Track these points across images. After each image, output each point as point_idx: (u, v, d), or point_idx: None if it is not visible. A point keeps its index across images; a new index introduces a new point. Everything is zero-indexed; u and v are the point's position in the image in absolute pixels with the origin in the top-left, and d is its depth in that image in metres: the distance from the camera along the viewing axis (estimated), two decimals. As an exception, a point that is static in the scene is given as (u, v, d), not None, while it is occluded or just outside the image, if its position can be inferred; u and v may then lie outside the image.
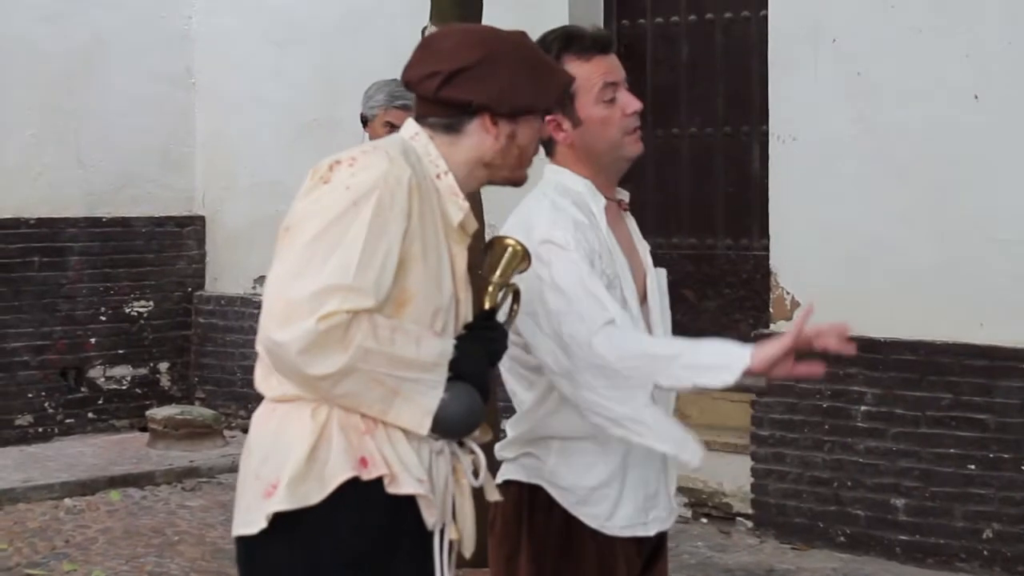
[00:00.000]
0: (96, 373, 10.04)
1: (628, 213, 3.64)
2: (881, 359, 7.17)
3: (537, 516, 3.42)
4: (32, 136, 9.79)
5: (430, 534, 3.02)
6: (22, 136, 9.74)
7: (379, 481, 2.95)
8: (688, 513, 7.81)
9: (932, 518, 7.03)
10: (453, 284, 3.07)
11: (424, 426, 2.94)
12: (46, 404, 9.80)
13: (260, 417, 3.06)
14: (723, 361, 3.26)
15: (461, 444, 3.09)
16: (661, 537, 3.60)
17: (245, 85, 10.13)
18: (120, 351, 10.11)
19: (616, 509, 3.42)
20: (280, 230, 2.99)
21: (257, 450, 3.03)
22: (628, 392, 3.22)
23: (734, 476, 7.73)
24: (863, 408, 7.24)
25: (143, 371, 10.18)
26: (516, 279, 3.18)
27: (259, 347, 2.96)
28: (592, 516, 3.40)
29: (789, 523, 7.48)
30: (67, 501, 8.41)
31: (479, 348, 3.06)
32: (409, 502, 2.98)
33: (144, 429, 9.78)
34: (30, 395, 9.74)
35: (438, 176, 3.07)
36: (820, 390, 7.35)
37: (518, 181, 3.19)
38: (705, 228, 8.43)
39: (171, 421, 9.42)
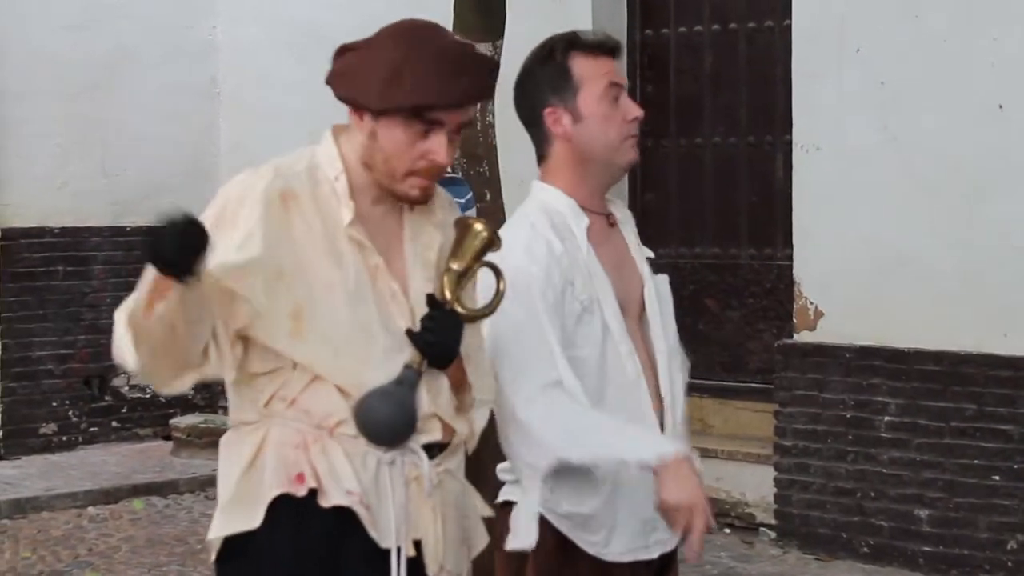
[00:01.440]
0: (120, 382, 10.06)
1: (626, 220, 3.56)
2: (905, 369, 7.16)
3: (544, 537, 3.38)
4: (57, 146, 9.83)
5: (386, 551, 2.91)
6: (47, 146, 9.78)
7: (315, 497, 2.87)
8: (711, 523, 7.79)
9: (956, 529, 7.00)
10: (374, 283, 2.93)
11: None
12: (70, 413, 9.83)
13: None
14: (646, 441, 3.26)
15: (431, 454, 2.96)
16: (673, 551, 3.58)
17: (269, 95, 10.15)
18: (144, 360, 10.12)
19: (612, 536, 3.37)
20: None
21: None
22: (538, 452, 3.23)
23: (757, 486, 7.71)
24: (887, 418, 7.22)
25: (167, 380, 10.18)
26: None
27: None
28: (590, 543, 3.36)
29: (812, 533, 7.46)
30: (90, 510, 8.43)
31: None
32: (356, 518, 2.88)
33: (167, 438, 9.80)
34: (54, 404, 9.77)
35: (336, 178, 2.96)
36: (844, 400, 7.33)
37: (396, 194, 2.97)
38: (728, 238, 8.42)
39: (194, 430, 9.44)
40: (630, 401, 3.35)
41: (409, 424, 2.89)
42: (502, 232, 3.24)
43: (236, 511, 2.89)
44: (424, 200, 2.99)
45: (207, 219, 2.78)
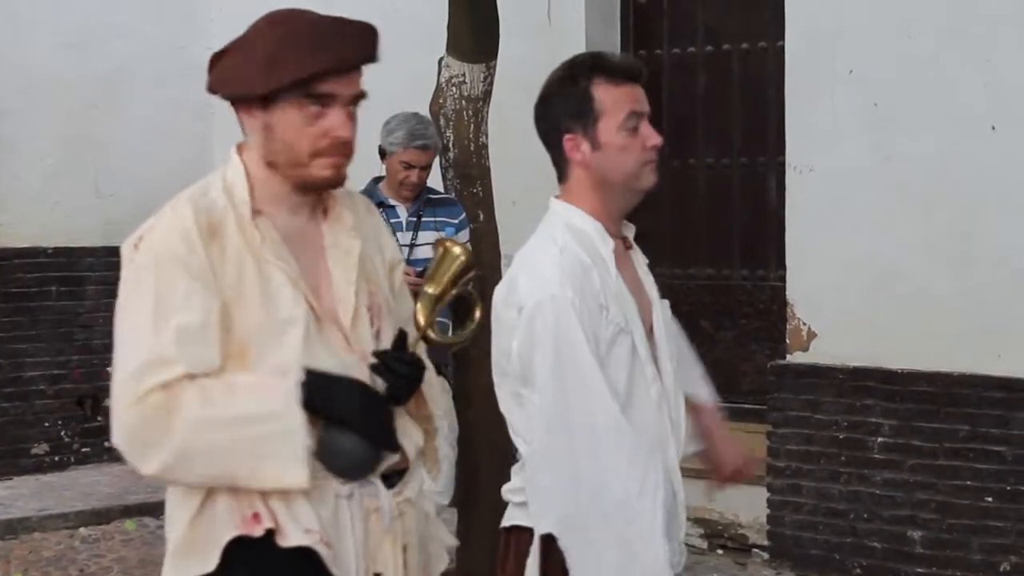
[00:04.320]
0: (112, 402, 10.04)
1: (635, 246, 3.58)
2: (898, 390, 7.15)
3: (552, 561, 3.36)
4: (50, 165, 9.83)
5: None
6: (40, 165, 9.77)
7: (272, 537, 2.77)
8: (704, 544, 7.79)
9: (949, 550, 6.99)
10: (307, 302, 2.83)
11: (301, 479, 2.72)
12: (62, 433, 9.81)
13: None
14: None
15: (390, 484, 2.91)
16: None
17: (263, 115, 10.16)
18: (136, 380, 10.12)
19: None
20: None
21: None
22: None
23: (750, 507, 7.71)
24: (880, 439, 7.21)
25: (159, 400, 10.17)
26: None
27: None
28: None
29: (805, 555, 7.45)
30: (82, 530, 8.41)
31: (350, 386, 2.82)
32: (314, 556, 2.79)
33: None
34: (46, 424, 9.75)
35: (245, 200, 2.86)
36: (837, 421, 7.33)
37: (309, 181, 2.88)
38: (722, 258, 8.43)
39: (187, 450, 9.42)
40: (654, 425, 3.35)
41: (369, 456, 2.84)
42: (525, 252, 3.28)
43: (189, 556, 2.79)
44: (339, 179, 2.91)
45: (149, 283, 2.74)
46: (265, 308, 2.79)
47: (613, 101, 3.37)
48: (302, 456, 2.70)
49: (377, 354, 2.87)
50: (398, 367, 2.86)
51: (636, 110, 3.39)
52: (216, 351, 2.70)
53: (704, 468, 3.72)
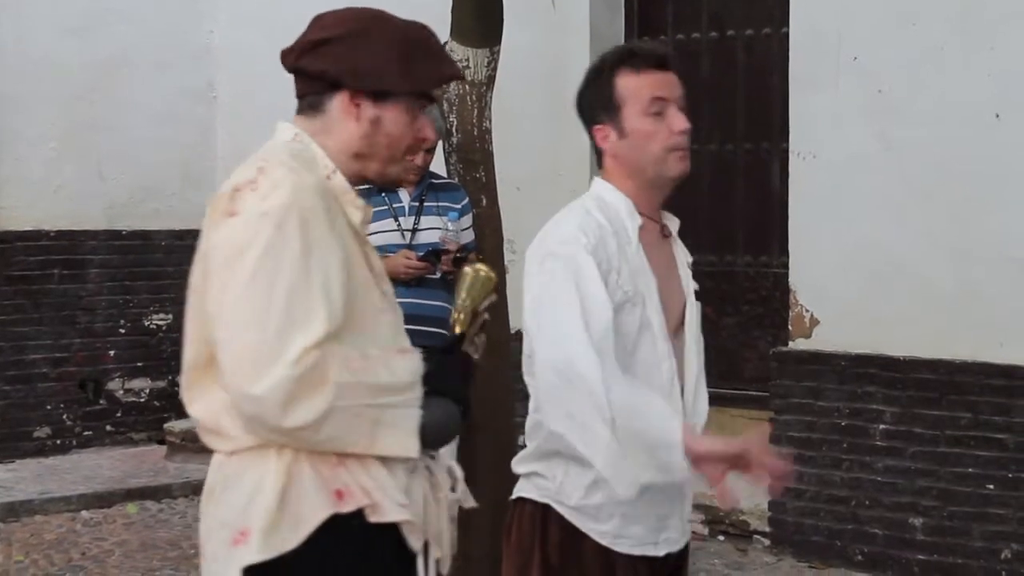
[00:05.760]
0: (115, 385, 10.06)
1: (677, 241, 3.60)
2: (900, 378, 7.16)
3: (550, 532, 3.41)
4: (53, 149, 9.83)
5: (412, 556, 2.91)
6: (43, 149, 9.78)
7: (357, 512, 2.81)
8: (705, 531, 7.79)
9: (950, 538, 7.00)
10: (378, 286, 2.93)
11: (412, 449, 2.82)
12: (64, 416, 9.82)
13: (220, 458, 2.89)
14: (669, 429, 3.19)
15: (433, 458, 2.99)
16: (681, 555, 3.59)
17: (266, 99, 10.12)
18: (139, 364, 10.13)
19: (625, 527, 3.40)
20: (195, 276, 2.86)
21: (222, 493, 2.86)
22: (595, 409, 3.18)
23: (751, 494, 7.71)
24: (881, 427, 7.22)
25: (161, 384, 10.20)
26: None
27: (229, 403, 2.77)
28: (601, 533, 3.39)
29: (806, 541, 7.46)
30: (84, 513, 8.43)
31: (452, 361, 3.01)
32: (389, 527, 2.85)
33: (162, 442, 9.79)
34: (48, 407, 9.76)
35: (328, 177, 2.90)
36: (838, 408, 7.34)
37: (394, 179, 3.05)
38: (725, 245, 8.42)
39: (189, 434, 9.42)
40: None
41: (457, 430, 3.00)
42: (556, 216, 3.41)
43: (274, 536, 2.77)
44: (418, 176, 3.12)
45: (295, 239, 2.71)
46: (365, 284, 2.89)
47: (635, 88, 3.41)
48: (416, 429, 2.82)
49: (440, 348, 3.04)
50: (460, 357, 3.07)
51: (658, 95, 3.41)
52: (341, 308, 2.77)
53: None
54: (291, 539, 2.78)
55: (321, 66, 2.90)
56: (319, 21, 2.97)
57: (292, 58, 2.94)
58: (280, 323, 2.66)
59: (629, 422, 3.15)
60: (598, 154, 3.52)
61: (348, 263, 2.81)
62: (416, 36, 2.98)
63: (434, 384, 2.88)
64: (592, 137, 3.50)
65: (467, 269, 3.18)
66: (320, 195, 2.79)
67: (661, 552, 3.47)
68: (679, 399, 3.43)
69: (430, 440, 2.90)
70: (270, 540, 2.77)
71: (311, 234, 2.73)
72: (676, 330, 3.48)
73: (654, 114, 3.40)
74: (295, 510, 2.78)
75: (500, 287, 3.15)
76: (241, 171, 2.86)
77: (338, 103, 2.92)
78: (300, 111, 2.99)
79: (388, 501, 2.83)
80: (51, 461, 9.53)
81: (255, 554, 2.77)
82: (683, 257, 3.61)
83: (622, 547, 3.40)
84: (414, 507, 2.89)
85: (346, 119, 2.92)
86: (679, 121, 3.42)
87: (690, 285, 3.58)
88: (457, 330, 3.09)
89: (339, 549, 2.81)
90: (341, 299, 2.75)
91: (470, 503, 3.15)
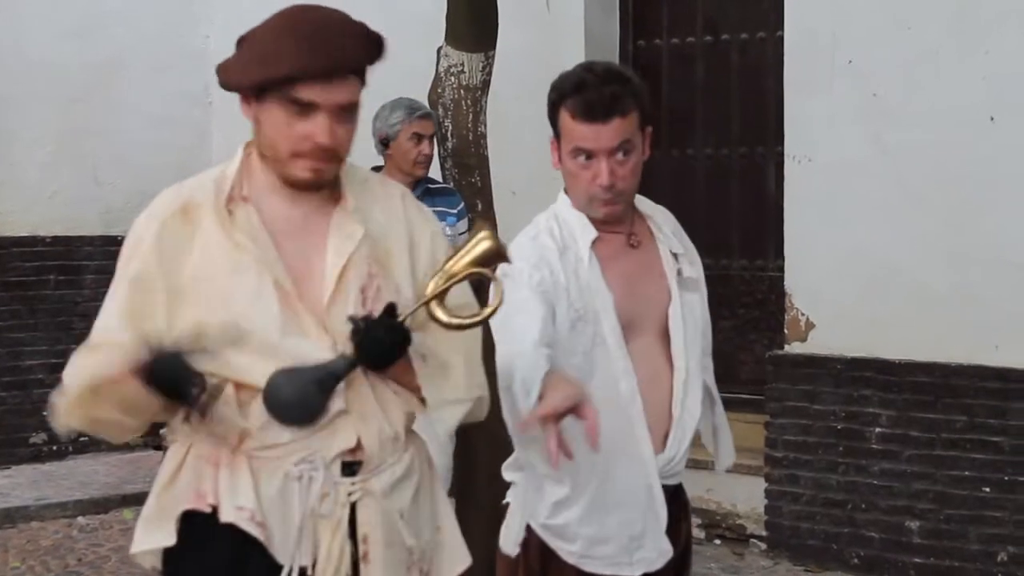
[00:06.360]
0: (111, 391, 10.03)
1: (660, 240, 3.60)
2: (896, 381, 7.16)
3: (531, 543, 3.40)
4: (49, 154, 9.82)
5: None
6: (39, 154, 9.77)
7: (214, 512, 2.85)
8: (702, 534, 7.79)
9: (946, 541, 7.00)
10: (277, 286, 2.86)
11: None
12: (60, 422, 9.79)
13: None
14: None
15: (352, 471, 2.89)
16: (683, 556, 3.58)
17: (261, 104, 10.15)
18: (135, 369, 10.10)
19: (591, 548, 3.39)
20: None
21: None
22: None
23: (748, 497, 7.71)
24: (878, 430, 7.22)
25: (157, 389, 10.16)
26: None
27: None
28: (568, 552, 3.38)
29: (803, 545, 7.45)
30: (80, 519, 8.41)
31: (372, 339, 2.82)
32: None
33: (158, 447, 9.77)
34: (44, 413, 9.71)
35: (225, 188, 2.93)
36: (834, 411, 7.33)
37: (289, 178, 2.90)
38: (720, 249, 8.42)
39: (185, 439, 9.41)
40: (617, 418, 3.34)
41: (310, 405, 2.80)
42: (518, 238, 3.40)
43: (149, 527, 2.91)
44: (316, 182, 2.91)
45: (125, 250, 2.94)
46: (231, 289, 2.85)
47: (567, 130, 3.43)
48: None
49: (352, 318, 2.84)
50: (375, 331, 2.82)
51: (582, 147, 3.40)
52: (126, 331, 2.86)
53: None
54: (166, 534, 2.88)
55: (219, 66, 2.95)
56: None
57: None
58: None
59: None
60: None
61: (199, 270, 2.88)
62: (290, 29, 2.83)
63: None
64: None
65: (476, 233, 2.98)
66: (162, 218, 2.94)
67: (637, 572, 3.43)
68: (641, 414, 3.39)
69: (280, 411, 2.79)
70: (147, 530, 2.94)
71: (128, 255, 2.97)
72: (663, 332, 3.47)
73: (580, 160, 3.41)
74: (171, 506, 2.89)
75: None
76: None
77: (241, 104, 2.93)
78: None
79: (227, 503, 2.84)
80: (47, 467, 9.51)
81: (137, 543, 2.95)
82: (667, 254, 3.59)
83: (591, 567, 3.38)
84: (285, 515, 2.84)
85: (247, 116, 2.93)
86: (602, 176, 3.40)
87: (675, 283, 3.55)
88: (427, 290, 2.89)
89: (205, 551, 2.88)
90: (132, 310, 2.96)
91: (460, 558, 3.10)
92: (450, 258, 2.92)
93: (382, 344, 2.82)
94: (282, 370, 2.77)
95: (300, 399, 2.77)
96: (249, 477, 2.83)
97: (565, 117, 3.41)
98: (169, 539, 2.86)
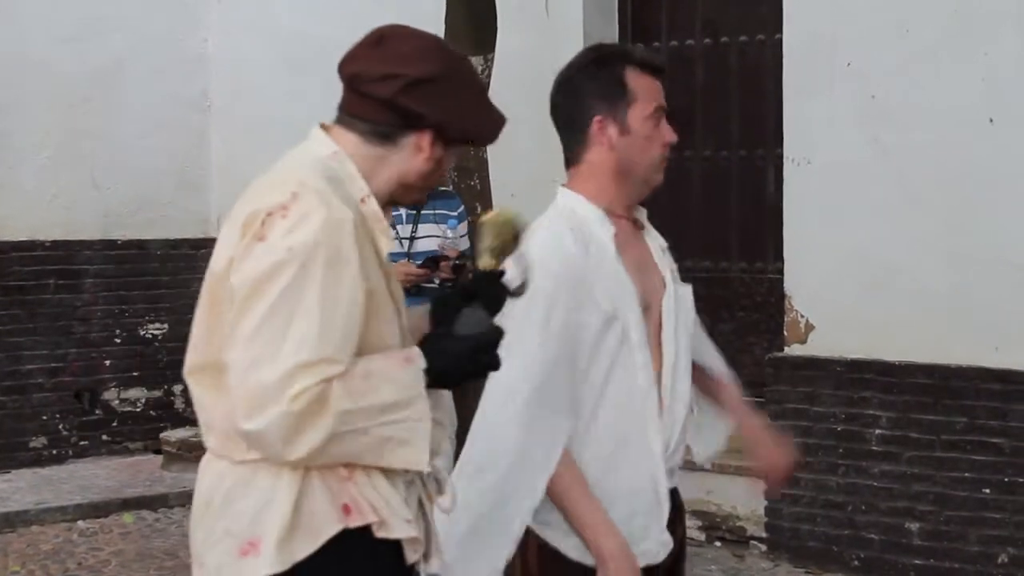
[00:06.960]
0: (110, 395, 10.04)
1: (649, 229, 3.59)
2: (896, 382, 7.16)
3: (529, 542, 3.39)
4: (48, 158, 9.82)
5: (409, 568, 2.87)
6: (38, 158, 9.77)
7: (363, 526, 2.78)
8: (702, 536, 7.79)
9: (947, 542, 7.00)
10: (396, 319, 2.87)
11: (421, 463, 2.75)
12: (60, 426, 9.81)
13: (219, 465, 2.88)
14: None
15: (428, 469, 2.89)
16: (673, 569, 3.57)
17: (261, 108, 10.15)
18: (134, 373, 10.11)
19: None
20: (210, 281, 2.88)
21: (226, 503, 2.82)
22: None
23: (748, 499, 7.71)
24: (878, 431, 7.22)
25: (157, 393, 10.18)
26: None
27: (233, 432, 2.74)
28: (574, 547, 3.36)
29: (803, 547, 7.45)
30: (80, 523, 8.41)
31: (452, 341, 2.82)
32: (389, 541, 2.81)
33: (158, 451, 9.78)
34: (44, 417, 9.75)
35: (362, 200, 2.83)
36: (834, 413, 7.33)
37: (413, 204, 3.17)
38: (719, 251, 8.43)
39: (185, 443, 9.42)
40: (630, 411, 3.35)
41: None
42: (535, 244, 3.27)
43: (289, 546, 2.74)
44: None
45: (316, 278, 2.67)
46: (383, 309, 2.84)
47: (645, 90, 3.39)
48: (428, 439, 2.74)
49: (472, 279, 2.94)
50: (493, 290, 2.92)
51: (662, 104, 3.41)
52: (355, 345, 2.72)
53: (753, 471, 3.73)
54: (302, 551, 2.74)
55: (422, 109, 2.83)
56: (396, 48, 2.90)
57: (389, 91, 2.83)
58: (289, 367, 2.61)
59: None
60: (580, 146, 3.43)
61: (372, 297, 2.76)
62: (478, 80, 3.04)
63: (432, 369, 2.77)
64: (579, 128, 3.42)
65: (487, 216, 3.00)
66: (351, 230, 2.71)
67: (639, 565, 3.41)
68: (656, 408, 3.39)
69: (449, 380, 2.82)
70: (285, 550, 2.74)
71: (335, 272, 2.67)
72: (658, 320, 3.46)
73: (656, 120, 3.40)
74: (309, 522, 2.75)
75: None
76: (273, 190, 2.77)
77: (414, 140, 2.86)
78: (355, 131, 2.88)
79: (395, 518, 2.80)
80: (47, 471, 9.51)
81: (268, 565, 2.73)
82: (657, 243, 3.59)
83: (593, 560, 3.37)
84: (415, 520, 2.87)
85: (415, 155, 2.87)
86: (670, 133, 3.43)
87: (667, 270, 3.55)
88: (486, 266, 2.92)
89: (348, 564, 2.78)
90: (356, 337, 2.70)
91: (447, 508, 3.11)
92: (495, 238, 2.95)
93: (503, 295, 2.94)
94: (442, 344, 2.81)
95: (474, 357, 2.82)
96: (392, 488, 2.82)
97: (637, 76, 3.37)
98: (308, 551, 2.75)
